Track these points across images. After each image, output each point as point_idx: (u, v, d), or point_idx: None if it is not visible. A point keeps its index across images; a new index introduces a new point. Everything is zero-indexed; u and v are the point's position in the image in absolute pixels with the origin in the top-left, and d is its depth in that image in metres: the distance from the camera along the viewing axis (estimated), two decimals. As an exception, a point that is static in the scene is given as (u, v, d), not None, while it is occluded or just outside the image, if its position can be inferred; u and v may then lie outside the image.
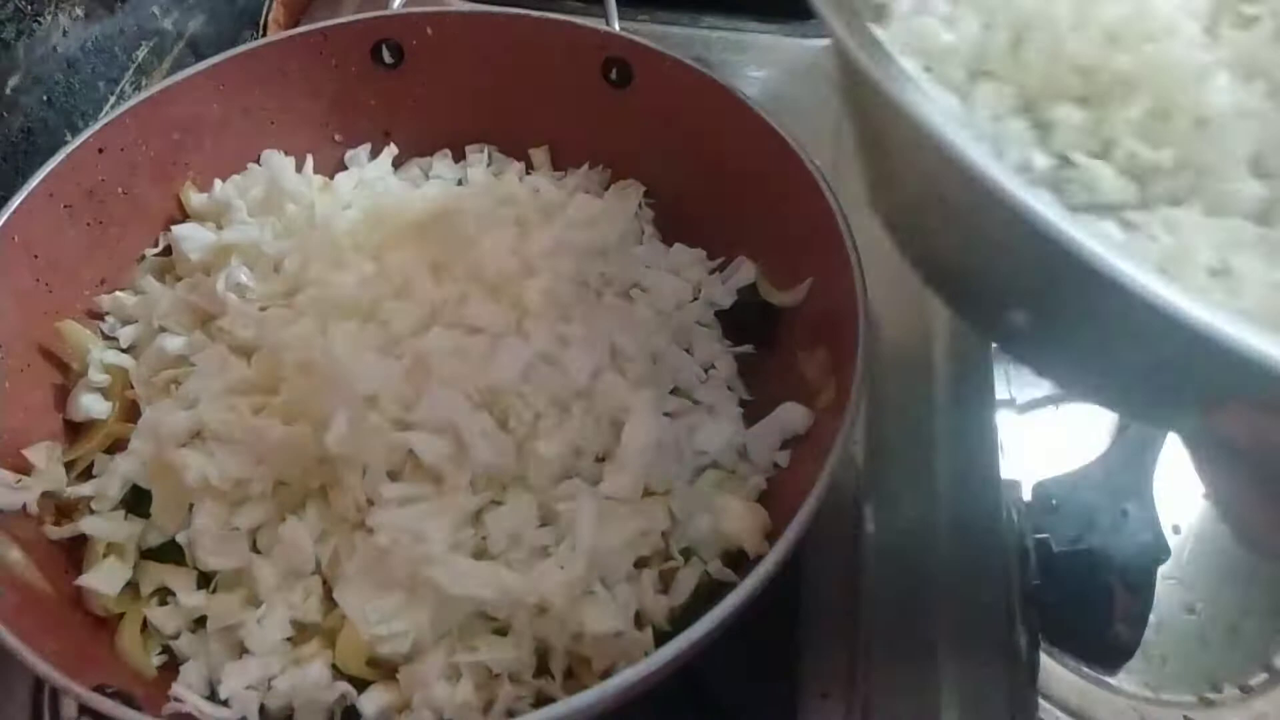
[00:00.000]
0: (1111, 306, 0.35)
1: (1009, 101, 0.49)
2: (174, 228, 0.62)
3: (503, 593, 0.45)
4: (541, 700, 0.45)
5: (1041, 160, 0.47)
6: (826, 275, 0.54)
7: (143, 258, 0.62)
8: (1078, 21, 0.48)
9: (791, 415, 0.52)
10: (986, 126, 0.48)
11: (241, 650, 0.47)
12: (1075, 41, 0.49)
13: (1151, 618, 0.63)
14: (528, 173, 0.66)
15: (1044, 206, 0.34)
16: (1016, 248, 0.38)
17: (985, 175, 0.35)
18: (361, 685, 0.46)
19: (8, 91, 0.63)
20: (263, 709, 0.46)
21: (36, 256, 0.57)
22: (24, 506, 0.51)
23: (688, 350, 0.57)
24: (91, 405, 0.55)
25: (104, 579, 0.49)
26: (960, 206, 0.41)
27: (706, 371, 0.57)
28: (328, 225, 0.58)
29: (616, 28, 0.66)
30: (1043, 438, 0.69)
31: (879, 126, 0.45)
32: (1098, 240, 0.33)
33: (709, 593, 0.48)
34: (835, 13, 0.41)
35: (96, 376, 0.56)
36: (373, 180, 0.64)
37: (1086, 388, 0.49)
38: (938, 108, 0.37)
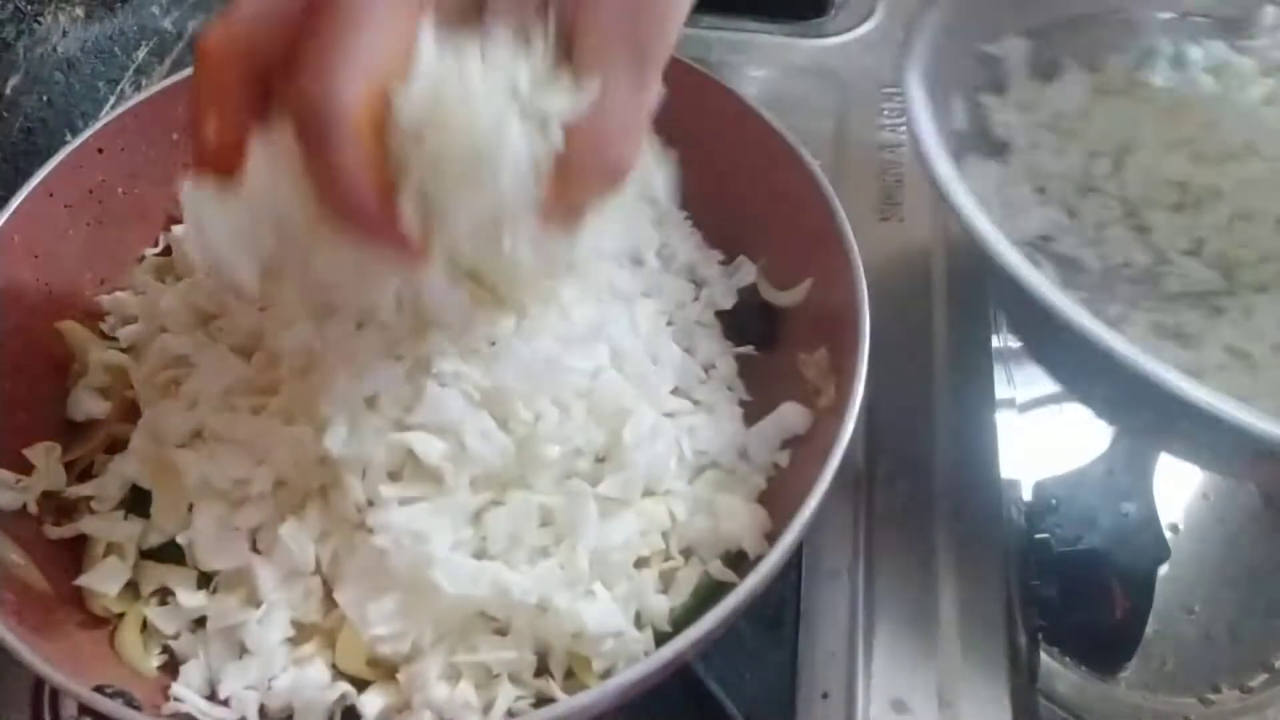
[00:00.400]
0: (1172, 412, 0.45)
1: (1112, 212, 0.61)
2: (174, 228, 0.62)
3: (503, 593, 0.45)
4: (542, 700, 0.45)
5: (1142, 257, 0.59)
6: (826, 275, 0.54)
7: (143, 258, 0.62)
8: (1169, 146, 0.60)
9: (791, 415, 0.52)
10: (1091, 234, 0.60)
11: (241, 650, 0.47)
12: (1168, 162, 0.60)
13: (1151, 618, 0.63)
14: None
15: (1121, 343, 0.45)
16: (1088, 354, 0.47)
17: (1069, 317, 0.46)
18: (361, 685, 0.46)
19: (8, 91, 0.63)
20: (263, 709, 0.46)
21: (37, 256, 0.57)
22: (24, 506, 0.51)
23: (688, 350, 0.57)
24: (91, 405, 0.55)
25: (104, 579, 0.49)
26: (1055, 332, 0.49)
27: (706, 371, 0.56)
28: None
29: (616, 28, 0.66)
30: (1043, 438, 0.69)
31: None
32: (1147, 357, 0.44)
33: (709, 593, 0.48)
34: (945, 172, 0.52)
35: (96, 376, 0.56)
36: None
37: (1162, 447, 0.62)
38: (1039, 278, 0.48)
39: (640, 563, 0.49)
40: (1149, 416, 0.53)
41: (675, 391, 0.55)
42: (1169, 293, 0.58)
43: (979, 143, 0.63)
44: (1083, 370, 0.55)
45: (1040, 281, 0.47)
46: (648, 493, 0.50)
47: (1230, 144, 0.60)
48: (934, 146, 0.53)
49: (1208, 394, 0.44)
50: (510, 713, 0.45)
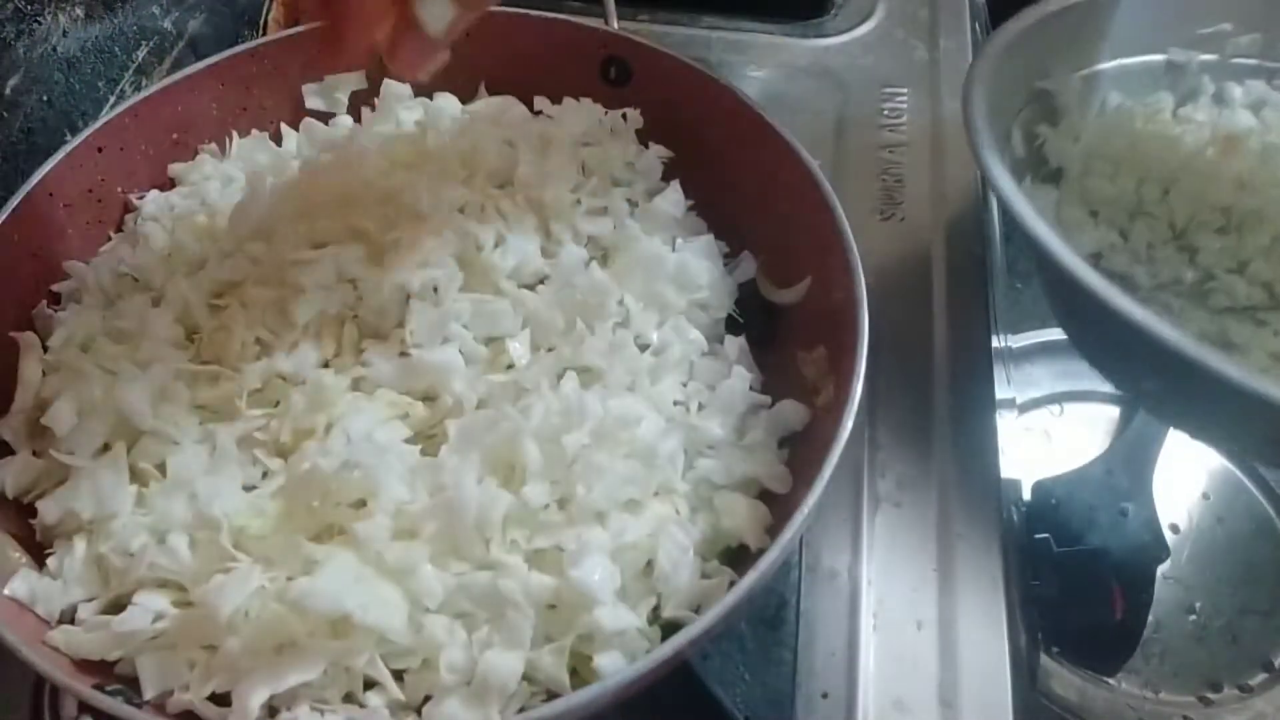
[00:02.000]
0: (1210, 390, 0.49)
1: (1161, 233, 0.67)
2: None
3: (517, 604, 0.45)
4: (550, 695, 0.45)
5: (1190, 275, 0.65)
6: (826, 274, 0.54)
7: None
8: (1215, 174, 0.66)
9: (789, 413, 0.52)
10: (1143, 252, 0.66)
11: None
12: (1214, 189, 0.65)
13: (1151, 618, 0.63)
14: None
15: (1162, 326, 0.49)
16: (1145, 348, 0.50)
17: (1119, 306, 0.50)
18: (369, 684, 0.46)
19: (8, 91, 0.63)
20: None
21: (35, 255, 0.57)
22: (28, 505, 0.51)
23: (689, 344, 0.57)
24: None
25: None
26: (1102, 321, 0.53)
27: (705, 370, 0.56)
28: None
29: (616, 27, 0.66)
30: (1043, 438, 0.69)
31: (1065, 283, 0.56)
32: (1190, 341, 0.48)
33: (709, 590, 0.47)
34: (1004, 177, 0.57)
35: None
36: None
37: (1200, 436, 0.65)
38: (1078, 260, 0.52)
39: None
40: (1204, 405, 0.57)
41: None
42: (1216, 307, 0.64)
43: (1036, 169, 0.69)
44: (1142, 367, 0.59)
45: (1102, 284, 0.51)
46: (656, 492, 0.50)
47: (1273, 172, 0.65)
48: (998, 168, 0.57)
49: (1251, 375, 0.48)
50: (520, 709, 0.44)
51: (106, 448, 0.50)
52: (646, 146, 0.63)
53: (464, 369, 0.52)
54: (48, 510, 0.49)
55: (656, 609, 0.47)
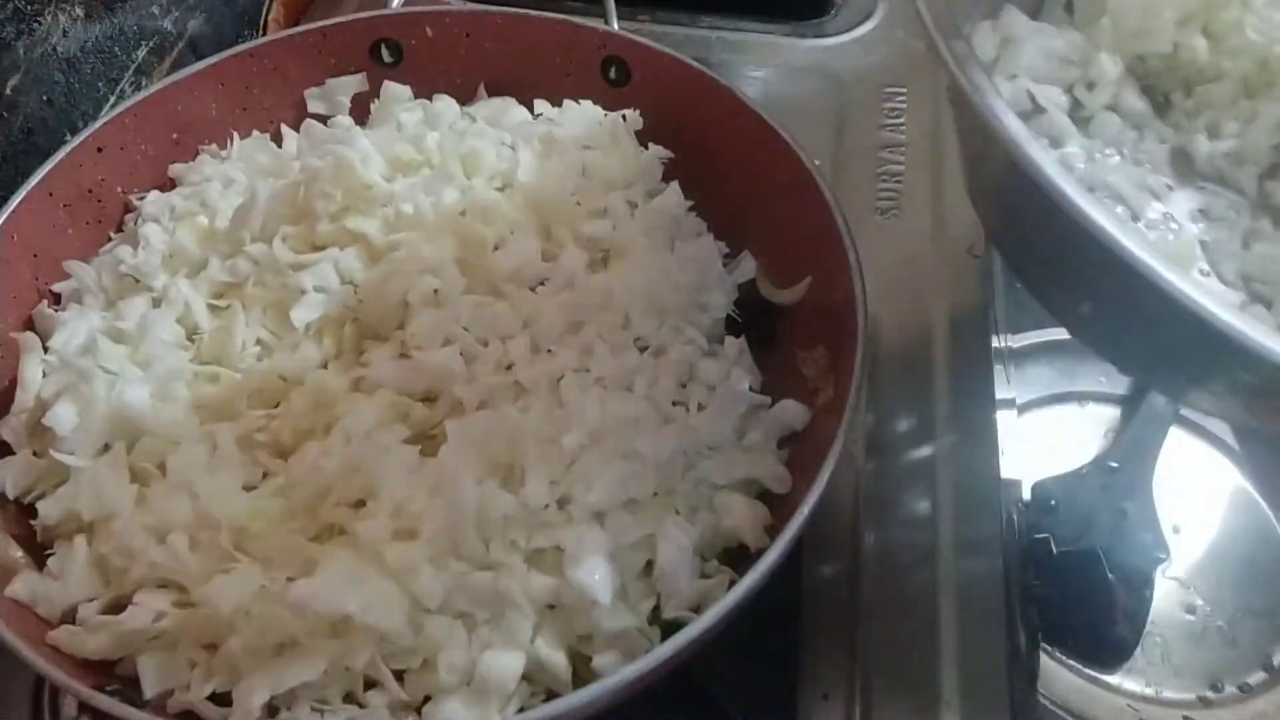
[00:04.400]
0: (1156, 306, 0.39)
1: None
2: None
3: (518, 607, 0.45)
4: (551, 696, 0.45)
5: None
6: (826, 274, 0.54)
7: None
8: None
9: (789, 412, 0.52)
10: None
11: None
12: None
13: (1151, 618, 0.62)
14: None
15: (1112, 223, 0.39)
16: (1090, 257, 0.42)
17: (1069, 199, 0.40)
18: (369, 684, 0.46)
19: (8, 91, 0.63)
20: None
21: (36, 255, 0.57)
22: (29, 505, 0.51)
23: (690, 343, 0.57)
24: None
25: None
26: (1043, 220, 0.45)
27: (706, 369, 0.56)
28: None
29: (615, 27, 0.66)
30: (1043, 438, 0.69)
31: (983, 147, 0.50)
32: (1145, 250, 0.39)
33: (709, 590, 0.47)
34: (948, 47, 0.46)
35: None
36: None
37: (1138, 372, 0.59)
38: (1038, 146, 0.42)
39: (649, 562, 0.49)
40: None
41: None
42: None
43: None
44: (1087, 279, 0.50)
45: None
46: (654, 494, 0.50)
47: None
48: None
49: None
50: (520, 708, 0.44)
51: (106, 448, 0.51)
52: (646, 147, 0.63)
53: (464, 370, 0.52)
54: (48, 510, 0.49)
55: (656, 609, 0.47)
